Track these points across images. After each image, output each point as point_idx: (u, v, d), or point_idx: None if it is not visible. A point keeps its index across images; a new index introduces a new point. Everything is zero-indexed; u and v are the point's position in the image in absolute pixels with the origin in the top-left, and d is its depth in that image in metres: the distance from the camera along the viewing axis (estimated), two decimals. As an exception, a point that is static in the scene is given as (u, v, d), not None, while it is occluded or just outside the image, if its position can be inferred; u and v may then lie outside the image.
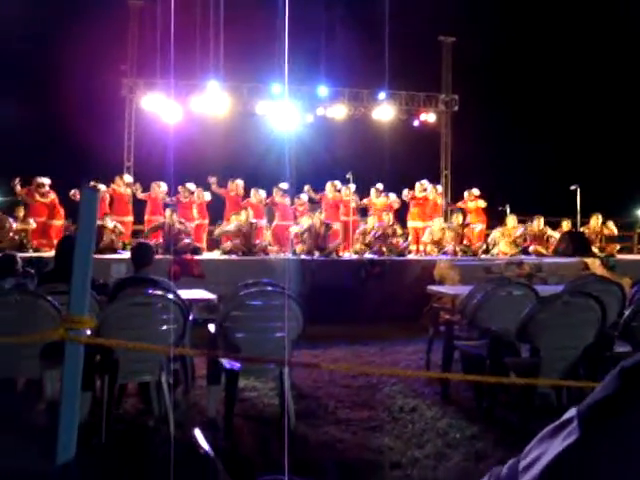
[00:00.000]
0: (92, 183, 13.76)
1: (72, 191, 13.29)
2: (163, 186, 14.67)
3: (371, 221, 14.21)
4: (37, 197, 13.72)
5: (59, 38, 17.62)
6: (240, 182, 14.79)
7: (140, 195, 14.84)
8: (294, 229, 13.85)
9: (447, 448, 4.74)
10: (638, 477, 0.66)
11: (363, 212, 15.90)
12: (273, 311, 5.38)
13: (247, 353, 5.25)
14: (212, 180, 14.59)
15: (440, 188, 16.62)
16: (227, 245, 12.92)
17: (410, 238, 14.78)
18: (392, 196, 15.43)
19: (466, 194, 16.06)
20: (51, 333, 3.31)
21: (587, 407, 0.72)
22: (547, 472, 0.71)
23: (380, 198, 15.45)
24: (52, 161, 15.56)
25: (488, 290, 6.16)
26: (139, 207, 15.17)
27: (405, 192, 15.56)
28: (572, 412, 0.74)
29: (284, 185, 14.64)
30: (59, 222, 14.10)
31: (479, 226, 15.68)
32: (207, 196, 14.92)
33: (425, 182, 15.72)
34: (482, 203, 15.77)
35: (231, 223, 13.09)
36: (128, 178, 15.11)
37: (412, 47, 18.19)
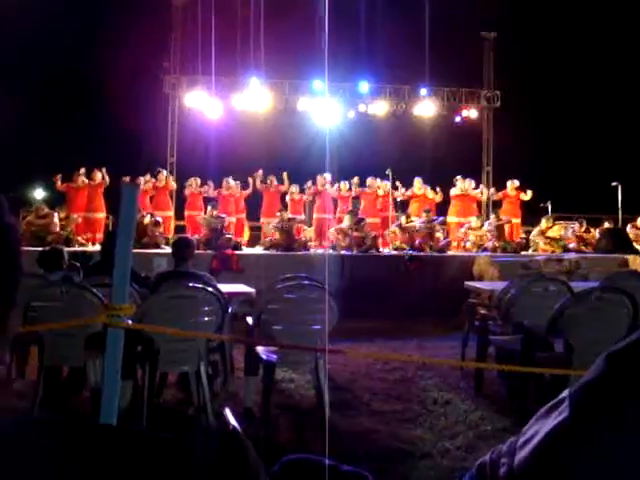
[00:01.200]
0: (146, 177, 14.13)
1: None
2: (197, 181, 15.00)
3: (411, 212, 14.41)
4: (81, 181, 14.08)
5: (105, 37, 17.95)
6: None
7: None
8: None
9: (478, 440, 4.81)
10: (622, 454, 0.75)
11: (402, 207, 15.90)
12: (309, 304, 5.49)
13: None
14: (259, 174, 14.84)
15: (474, 183, 16.37)
16: (267, 240, 13.08)
17: (450, 235, 14.78)
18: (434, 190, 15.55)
19: (509, 184, 15.81)
20: (95, 319, 3.47)
21: (577, 388, 0.81)
22: (539, 448, 0.81)
23: (422, 190, 15.46)
24: (98, 156, 15.84)
25: (522, 285, 6.20)
26: (181, 203, 15.42)
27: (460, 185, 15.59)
28: (566, 392, 0.83)
29: (328, 175, 14.76)
30: (101, 214, 14.34)
31: (514, 220, 15.45)
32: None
33: (459, 178, 15.63)
34: (524, 196, 15.49)
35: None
36: (164, 173, 15.38)
37: (454, 43, 18.10)
